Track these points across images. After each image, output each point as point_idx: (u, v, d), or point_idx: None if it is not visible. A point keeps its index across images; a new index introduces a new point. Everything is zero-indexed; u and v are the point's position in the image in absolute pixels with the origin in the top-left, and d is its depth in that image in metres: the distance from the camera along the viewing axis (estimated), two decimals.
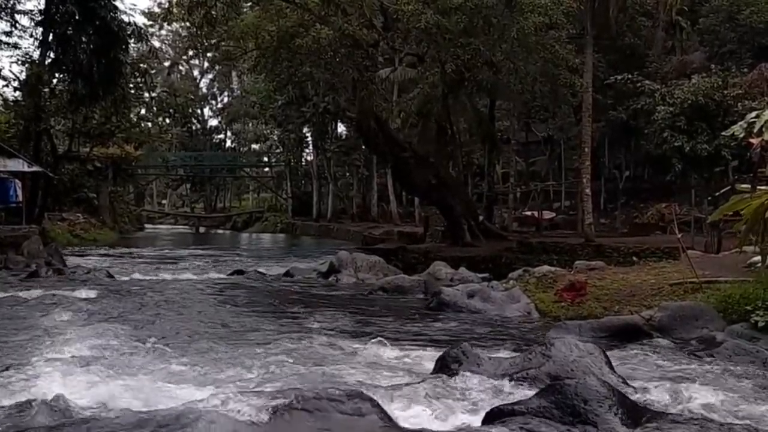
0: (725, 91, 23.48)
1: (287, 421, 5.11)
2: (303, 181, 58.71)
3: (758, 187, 10.28)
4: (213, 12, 22.52)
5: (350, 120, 32.60)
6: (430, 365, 7.18)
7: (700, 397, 6.08)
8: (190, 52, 65.67)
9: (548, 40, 22.44)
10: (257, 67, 25.37)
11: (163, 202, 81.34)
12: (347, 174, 53.04)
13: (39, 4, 29.69)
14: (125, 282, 16.94)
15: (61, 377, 6.53)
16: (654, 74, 28.41)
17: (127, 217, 49.55)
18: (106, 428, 4.88)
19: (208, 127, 73.88)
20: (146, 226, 57.66)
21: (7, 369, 7.20)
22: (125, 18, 30.11)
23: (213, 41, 26.73)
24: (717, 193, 21.30)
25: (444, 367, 6.85)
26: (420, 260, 20.55)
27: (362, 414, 5.22)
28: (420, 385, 6.32)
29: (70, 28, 28.47)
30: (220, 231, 61.10)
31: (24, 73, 30.73)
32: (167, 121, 64.47)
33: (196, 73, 74.07)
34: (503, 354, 7.88)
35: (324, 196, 51.60)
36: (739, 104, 21.65)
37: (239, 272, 19.49)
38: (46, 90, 29.72)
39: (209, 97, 74.18)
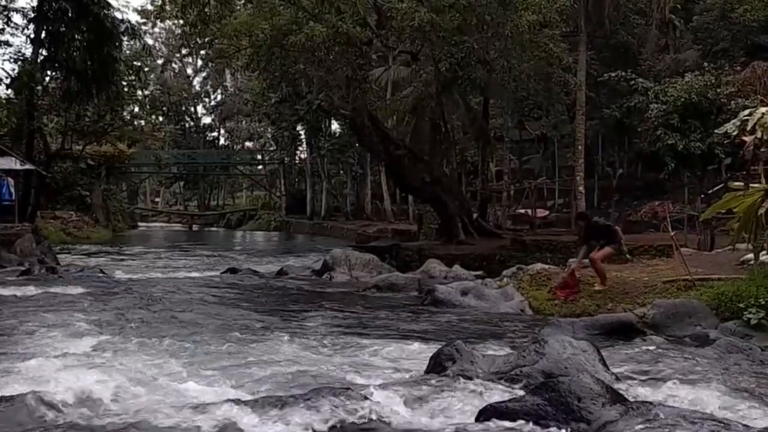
0: (718, 89, 23.49)
1: (282, 420, 5.10)
2: (297, 179, 58.65)
3: (751, 185, 10.31)
4: (206, 10, 22.44)
5: (344, 118, 32.50)
6: (424, 363, 7.16)
7: (694, 394, 6.09)
8: (184, 50, 65.54)
9: (542, 38, 22.41)
10: (251, 64, 25.23)
11: (157, 200, 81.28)
12: (341, 172, 53.00)
13: (31, 1, 29.60)
14: (118, 280, 16.88)
15: (52, 374, 6.50)
16: (647, 72, 28.45)
17: (120, 215, 49.42)
18: (95, 426, 4.86)
19: (201, 124, 73.78)
20: (139, 224, 57.55)
21: None
22: (118, 15, 30.03)
23: (206, 39, 26.61)
24: (710, 191, 21.42)
25: (437, 365, 6.84)
26: (414, 258, 20.53)
27: (356, 413, 5.21)
28: (413, 383, 6.30)
29: (62, 25, 28.29)
30: (214, 229, 61.00)
31: (16, 71, 30.58)
32: (160, 119, 64.25)
33: (189, 70, 73.90)
34: (497, 351, 7.87)
35: (318, 194, 51.56)
36: (732, 102, 21.69)
37: (232, 270, 19.40)
38: (39, 87, 29.54)
39: (202, 95, 74.02)
